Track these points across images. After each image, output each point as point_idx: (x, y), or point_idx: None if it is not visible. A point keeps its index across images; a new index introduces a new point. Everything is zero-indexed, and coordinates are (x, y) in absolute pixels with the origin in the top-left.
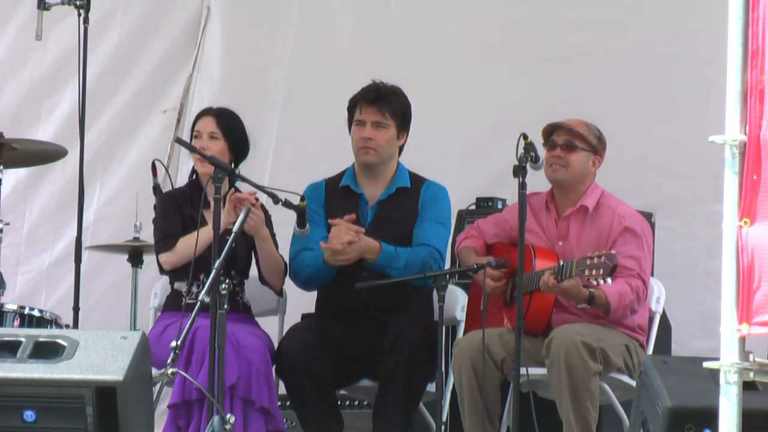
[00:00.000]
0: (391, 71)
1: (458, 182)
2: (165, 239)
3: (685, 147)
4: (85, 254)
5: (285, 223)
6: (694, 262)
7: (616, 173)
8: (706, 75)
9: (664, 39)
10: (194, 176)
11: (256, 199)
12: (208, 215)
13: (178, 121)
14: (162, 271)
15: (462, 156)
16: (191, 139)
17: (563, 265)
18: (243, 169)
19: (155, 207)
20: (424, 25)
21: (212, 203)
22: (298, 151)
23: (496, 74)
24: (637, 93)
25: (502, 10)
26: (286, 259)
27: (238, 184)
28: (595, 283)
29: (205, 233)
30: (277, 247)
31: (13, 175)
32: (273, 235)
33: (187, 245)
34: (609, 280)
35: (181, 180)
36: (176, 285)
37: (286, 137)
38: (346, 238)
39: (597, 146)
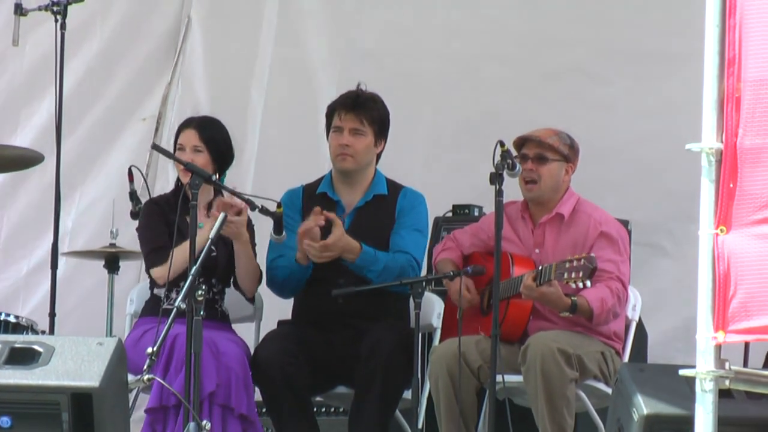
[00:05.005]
0: (370, 80)
1: (436, 190)
2: (155, 251)
3: (674, 165)
4: (62, 261)
5: (263, 233)
6: (680, 278)
7: (603, 190)
8: (695, 93)
9: (652, 57)
10: (179, 183)
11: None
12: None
13: (157, 129)
14: (154, 284)
15: (441, 165)
16: (174, 151)
17: (542, 269)
18: (227, 177)
19: (132, 214)
20: (406, 34)
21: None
22: (281, 159)
23: (480, 85)
24: (623, 111)
25: (487, 21)
26: (263, 268)
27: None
28: (574, 286)
29: (199, 240)
30: (255, 256)
31: None
32: (253, 245)
33: (182, 254)
34: (588, 282)
35: (160, 187)
36: (156, 290)
37: (269, 146)
38: (301, 229)
39: (569, 155)
